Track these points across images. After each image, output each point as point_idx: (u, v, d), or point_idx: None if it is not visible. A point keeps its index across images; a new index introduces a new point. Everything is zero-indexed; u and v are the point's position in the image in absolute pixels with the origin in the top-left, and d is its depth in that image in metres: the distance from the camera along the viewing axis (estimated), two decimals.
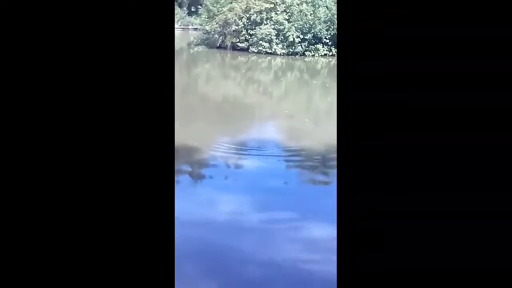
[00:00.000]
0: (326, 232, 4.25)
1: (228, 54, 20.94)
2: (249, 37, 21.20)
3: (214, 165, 6.18)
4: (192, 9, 35.48)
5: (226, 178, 5.72)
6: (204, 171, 6.03)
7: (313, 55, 20.24)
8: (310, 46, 20.39)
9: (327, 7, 20.49)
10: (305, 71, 18.05)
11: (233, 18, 21.27)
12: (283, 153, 7.00)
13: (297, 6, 20.79)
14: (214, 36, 22.22)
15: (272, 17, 20.81)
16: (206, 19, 23.03)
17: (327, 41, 20.34)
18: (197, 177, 5.83)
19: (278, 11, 20.85)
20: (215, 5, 22.36)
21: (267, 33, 20.45)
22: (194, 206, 4.81)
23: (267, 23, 20.78)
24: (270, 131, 8.51)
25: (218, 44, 22.00)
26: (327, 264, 3.62)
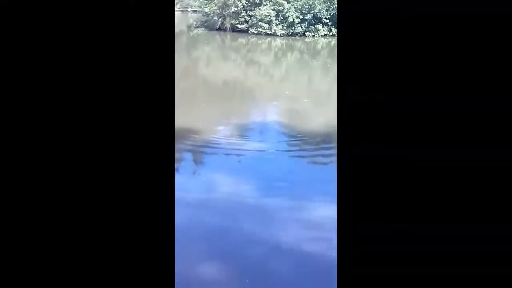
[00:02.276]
0: (328, 213, 4.31)
1: (228, 36, 20.84)
2: (249, 18, 21.07)
3: (214, 149, 6.20)
4: None
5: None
6: (204, 155, 6.05)
7: (313, 36, 20.13)
8: (310, 27, 20.28)
9: None
10: (305, 51, 17.98)
11: (232, 0, 21.11)
12: (284, 137, 7.02)
13: None
14: (214, 18, 22.09)
15: None
16: (205, 1, 22.85)
17: (327, 21, 20.21)
18: (197, 161, 5.87)
19: None
20: None
21: (267, 14, 20.31)
22: (195, 187, 4.86)
23: (267, 4, 20.63)
24: (271, 114, 8.51)
25: (217, 26, 21.87)
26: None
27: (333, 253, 3.47)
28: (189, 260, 3.39)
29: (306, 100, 9.79)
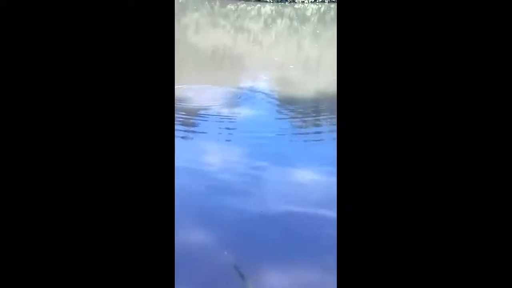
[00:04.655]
0: (321, 179, 4.39)
1: (217, 2, 20.57)
2: None
3: (205, 116, 6.26)
4: None
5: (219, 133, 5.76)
6: (195, 122, 6.12)
7: (302, 2, 19.93)
8: None
9: None
10: (295, 18, 17.85)
11: None
12: (272, 102, 7.11)
13: None
14: None
15: None
16: None
17: None
18: (189, 128, 5.94)
19: None
20: None
21: None
22: (186, 156, 4.96)
23: None
24: (260, 80, 8.56)
25: None
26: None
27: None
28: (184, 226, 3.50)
29: (292, 66, 9.81)
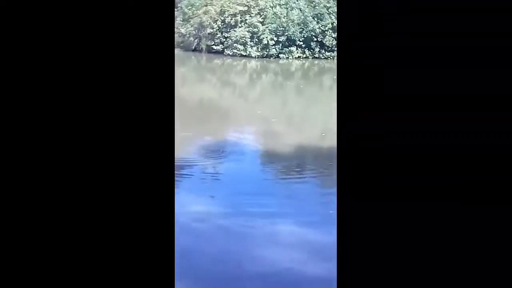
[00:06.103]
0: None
1: (204, 57, 21.10)
2: (224, 39, 21.40)
3: (188, 168, 6.37)
4: None
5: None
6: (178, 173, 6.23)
7: (287, 58, 20.51)
8: (284, 49, 20.65)
9: (300, 9, 20.78)
10: (279, 73, 18.32)
11: (208, 21, 21.42)
12: (254, 156, 7.28)
13: (271, 9, 21.06)
14: (189, 39, 22.34)
15: (246, 19, 21.02)
16: (181, 22, 23.15)
17: (301, 43, 20.63)
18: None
19: (252, 13, 21.08)
20: (190, 8, 22.48)
21: (242, 35, 20.67)
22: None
23: (242, 26, 21.00)
24: (243, 133, 8.77)
25: (193, 47, 22.13)
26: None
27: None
28: None
29: (274, 119, 10.06)
